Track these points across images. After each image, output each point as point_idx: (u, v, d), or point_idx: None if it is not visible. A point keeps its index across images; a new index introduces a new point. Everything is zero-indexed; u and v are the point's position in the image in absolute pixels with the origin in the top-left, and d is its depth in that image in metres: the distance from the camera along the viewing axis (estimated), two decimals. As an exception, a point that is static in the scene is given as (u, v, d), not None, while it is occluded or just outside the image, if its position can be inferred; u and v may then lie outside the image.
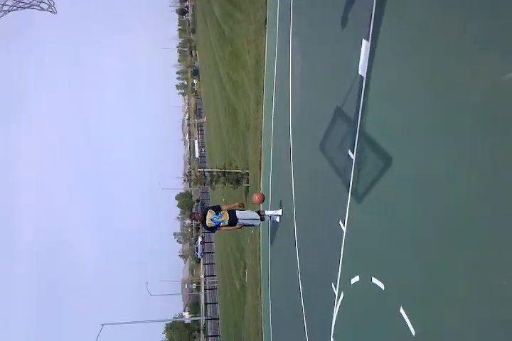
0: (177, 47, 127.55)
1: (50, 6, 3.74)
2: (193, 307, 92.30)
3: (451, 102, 3.32)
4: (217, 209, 9.08)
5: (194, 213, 9.60)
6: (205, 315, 41.91)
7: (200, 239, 61.97)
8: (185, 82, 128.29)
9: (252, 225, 9.82)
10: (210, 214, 8.97)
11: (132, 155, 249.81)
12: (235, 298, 21.17)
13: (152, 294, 35.15)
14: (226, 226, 9.12)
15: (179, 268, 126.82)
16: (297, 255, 8.07)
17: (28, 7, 3.65)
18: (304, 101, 7.72)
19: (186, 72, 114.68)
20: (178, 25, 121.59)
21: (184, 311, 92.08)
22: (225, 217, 8.99)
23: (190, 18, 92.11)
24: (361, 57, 4.76)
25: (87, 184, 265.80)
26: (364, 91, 4.67)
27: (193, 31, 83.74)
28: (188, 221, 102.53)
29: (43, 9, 3.75)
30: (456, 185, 3.24)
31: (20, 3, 3.61)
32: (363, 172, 4.84)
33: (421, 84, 3.71)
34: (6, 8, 3.66)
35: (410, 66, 3.92)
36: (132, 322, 32.65)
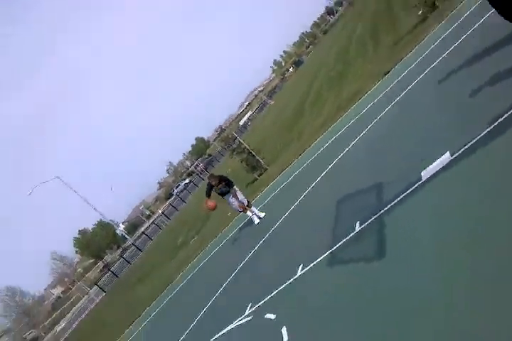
0: (302, 33, 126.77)
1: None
2: (131, 226, 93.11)
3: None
4: (228, 183, 9.74)
5: (214, 177, 9.87)
6: (135, 241, 42.16)
7: (187, 181, 61.33)
8: (283, 63, 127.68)
9: (232, 206, 9.90)
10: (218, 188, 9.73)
11: (194, 86, 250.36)
12: (169, 248, 21.24)
13: (112, 190, 35.88)
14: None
15: (148, 191, 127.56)
16: (239, 266, 7.98)
17: None
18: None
19: (291, 57, 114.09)
20: (317, 19, 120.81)
21: (122, 224, 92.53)
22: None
23: (331, 21, 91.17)
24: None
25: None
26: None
27: (325, 32, 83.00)
28: (188, 163, 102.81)
29: None
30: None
31: None
32: (354, 246, 4.73)
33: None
34: None
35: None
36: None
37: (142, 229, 66.20)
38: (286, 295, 5.25)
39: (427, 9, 11.60)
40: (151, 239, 37.10)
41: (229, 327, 5.90)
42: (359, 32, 24.72)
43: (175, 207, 41.59)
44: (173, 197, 56.85)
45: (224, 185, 9.74)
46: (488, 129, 4.23)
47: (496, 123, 4.20)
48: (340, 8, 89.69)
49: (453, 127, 5.08)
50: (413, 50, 10.06)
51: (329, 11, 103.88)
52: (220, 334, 6.00)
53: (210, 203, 9.79)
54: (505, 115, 4.18)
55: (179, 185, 70.26)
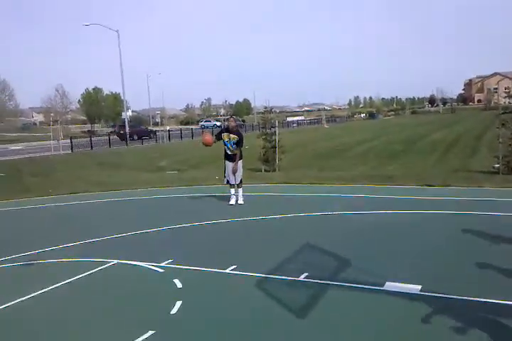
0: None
1: None
2: (136, 117, 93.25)
3: None
4: (239, 140, 9.25)
5: (235, 121, 9.62)
6: (129, 133, 42.11)
7: (219, 124, 61.62)
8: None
9: (226, 175, 9.51)
10: (227, 137, 9.29)
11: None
12: (147, 162, 21.38)
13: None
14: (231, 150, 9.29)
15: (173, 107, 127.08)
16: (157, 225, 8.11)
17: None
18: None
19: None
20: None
21: (131, 110, 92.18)
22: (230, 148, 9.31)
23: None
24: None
25: None
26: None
27: (453, 111, 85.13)
28: (223, 111, 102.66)
29: None
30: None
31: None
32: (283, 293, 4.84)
33: None
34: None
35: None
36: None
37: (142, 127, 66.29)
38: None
39: None
40: (142, 143, 37.22)
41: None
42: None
43: (179, 136, 41.62)
44: (198, 126, 56.81)
45: (234, 142, 9.24)
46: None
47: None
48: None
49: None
50: None
51: (464, 99, 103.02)
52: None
53: (207, 137, 9.43)
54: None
55: (210, 121, 70.79)
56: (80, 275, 5.55)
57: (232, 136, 9.26)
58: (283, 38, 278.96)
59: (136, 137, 40.69)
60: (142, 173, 16.90)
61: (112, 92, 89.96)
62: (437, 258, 5.57)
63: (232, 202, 9.51)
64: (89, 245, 7.04)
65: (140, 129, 45.93)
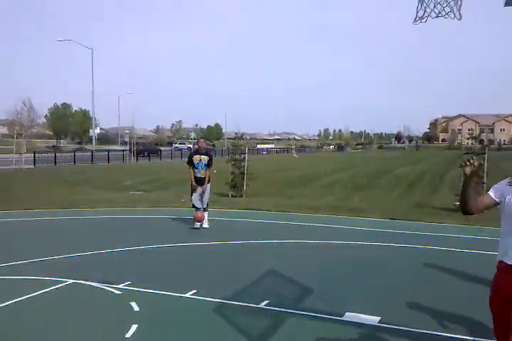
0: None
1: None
2: (105, 136, 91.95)
3: None
4: (209, 162, 9.44)
5: (204, 143, 9.80)
6: (95, 151, 41.52)
7: (191, 146, 62.90)
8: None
9: (192, 198, 9.49)
10: (198, 158, 9.41)
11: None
12: (112, 180, 21.04)
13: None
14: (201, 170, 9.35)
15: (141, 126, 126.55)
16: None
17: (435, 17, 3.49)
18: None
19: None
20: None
21: (99, 128, 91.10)
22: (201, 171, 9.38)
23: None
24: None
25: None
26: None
27: (417, 148, 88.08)
28: (193, 135, 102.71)
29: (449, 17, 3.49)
30: None
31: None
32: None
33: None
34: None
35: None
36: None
37: (112, 146, 65.54)
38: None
39: None
40: (108, 162, 36.66)
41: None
42: None
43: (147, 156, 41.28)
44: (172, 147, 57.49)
45: (205, 163, 9.37)
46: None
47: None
48: None
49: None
50: None
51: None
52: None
53: (200, 215, 9.18)
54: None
55: (184, 143, 72.40)
56: (31, 295, 5.33)
57: (203, 157, 9.42)
58: (256, 67, 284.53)
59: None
60: (105, 192, 16.58)
61: (81, 109, 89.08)
62: (397, 291, 5.64)
63: (197, 225, 9.44)
64: (41, 264, 6.79)
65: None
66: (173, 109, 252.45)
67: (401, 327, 4.45)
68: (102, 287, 5.63)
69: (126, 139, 63.05)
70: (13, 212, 11.69)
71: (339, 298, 5.30)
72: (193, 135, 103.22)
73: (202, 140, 10.02)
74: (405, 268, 6.75)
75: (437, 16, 3.28)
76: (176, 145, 74.84)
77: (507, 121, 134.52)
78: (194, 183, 9.37)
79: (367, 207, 12.74)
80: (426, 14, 3.29)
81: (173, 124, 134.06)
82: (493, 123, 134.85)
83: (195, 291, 5.44)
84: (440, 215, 11.43)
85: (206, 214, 9.51)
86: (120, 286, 5.63)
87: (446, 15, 3.30)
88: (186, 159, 9.86)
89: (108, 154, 38.25)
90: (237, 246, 8.01)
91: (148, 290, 5.49)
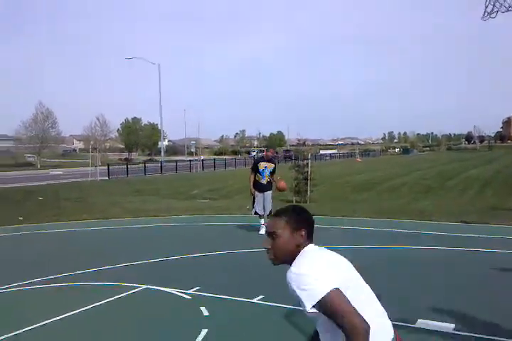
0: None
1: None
2: (172, 148, 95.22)
3: None
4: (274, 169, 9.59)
5: (273, 151, 10.53)
6: (164, 161, 42.98)
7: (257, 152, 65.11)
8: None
9: (255, 205, 9.55)
10: (264, 165, 9.51)
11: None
12: (181, 190, 21.66)
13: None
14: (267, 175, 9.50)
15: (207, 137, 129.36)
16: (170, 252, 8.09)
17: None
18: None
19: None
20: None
21: (167, 140, 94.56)
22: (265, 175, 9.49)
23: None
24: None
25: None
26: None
27: (490, 148, 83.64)
28: (256, 143, 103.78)
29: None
30: None
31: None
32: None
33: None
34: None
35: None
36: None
37: (179, 157, 67.73)
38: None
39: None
40: (177, 171, 37.83)
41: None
42: None
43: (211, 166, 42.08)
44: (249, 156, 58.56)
45: (271, 170, 9.52)
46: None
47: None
48: None
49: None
50: None
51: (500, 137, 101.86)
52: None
53: (283, 184, 9.53)
54: None
55: (262, 151, 74.62)
56: (108, 300, 5.58)
57: (269, 164, 9.54)
58: (319, 72, 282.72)
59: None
60: (175, 201, 17.10)
61: (150, 122, 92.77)
62: (470, 297, 5.35)
63: (262, 231, 9.47)
64: (119, 270, 7.10)
65: None
66: (237, 118, 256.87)
67: (476, 334, 4.20)
68: (173, 292, 5.79)
69: (193, 150, 64.96)
70: (91, 221, 12.35)
71: (411, 305, 5.10)
72: (256, 143, 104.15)
73: (272, 149, 10.50)
74: (479, 273, 6.39)
75: (508, 10, 3.11)
76: (254, 153, 77.78)
77: None
78: (253, 189, 9.44)
79: (436, 210, 12.22)
80: (495, 9, 3.13)
81: (236, 134, 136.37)
82: None
83: (262, 296, 5.46)
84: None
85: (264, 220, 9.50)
86: (190, 291, 5.77)
87: None
88: (250, 166, 10.02)
89: (176, 164, 39.50)
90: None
91: (217, 296, 5.58)
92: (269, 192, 9.57)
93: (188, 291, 5.77)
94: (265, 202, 9.51)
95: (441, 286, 5.80)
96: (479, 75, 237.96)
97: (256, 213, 9.63)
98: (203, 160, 45.65)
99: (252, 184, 9.46)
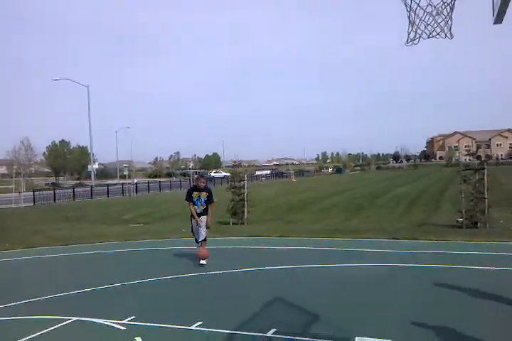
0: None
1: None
2: (102, 172, 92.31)
3: None
4: (209, 198, 9.05)
5: (203, 180, 9.33)
6: (94, 185, 41.56)
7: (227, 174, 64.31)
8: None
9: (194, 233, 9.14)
10: (197, 195, 9.00)
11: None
12: (112, 215, 20.97)
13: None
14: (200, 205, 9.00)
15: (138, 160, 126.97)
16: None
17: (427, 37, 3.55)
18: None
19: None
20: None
21: (97, 163, 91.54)
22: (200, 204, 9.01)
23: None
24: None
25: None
26: None
27: (416, 167, 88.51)
28: (191, 165, 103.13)
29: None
30: None
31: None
32: None
33: None
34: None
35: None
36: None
37: (110, 181, 65.70)
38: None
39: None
40: (108, 196, 36.61)
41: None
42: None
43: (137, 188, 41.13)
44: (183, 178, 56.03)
45: (205, 199, 8.99)
46: None
47: None
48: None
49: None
50: None
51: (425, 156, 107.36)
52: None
53: (204, 252, 8.80)
54: None
55: (220, 172, 73.34)
56: (35, 335, 5.22)
57: (202, 193, 9.07)
58: (251, 96, 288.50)
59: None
60: (106, 226, 16.49)
61: (79, 145, 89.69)
62: (406, 312, 5.55)
63: (203, 262, 8.86)
64: (45, 301, 6.69)
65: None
66: (171, 141, 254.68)
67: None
68: (105, 323, 5.53)
69: (125, 172, 63.31)
70: (12, 252, 11.59)
71: (346, 322, 5.20)
72: (191, 165, 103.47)
73: (203, 179, 9.51)
74: (413, 288, 6.66)
75: (429, 37, 3.36)
76: (212, 174, 74.99)
77: (503, 136, 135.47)
78: (195, 216, 9.02)
79: (368, 228, 12.67)
80: (417, 35, 3.37)
81: (171, 155, 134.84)
82: (490, 139, 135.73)
83: (200, 323, 5.35)
84: (444, 233, 11.36)
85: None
86: (124, 321, 5.53)
87: (438, 36, 3.38)
88: (185, 194, 9.29)
89: (108, 188, 38.27)
90: (240, 275, 7.92)
91: (153, 324, 5.39)
92: (203, 218, 9.06)
93: (122, 321, 5.54)
94: (200, 228, 9.01)
95: (377, 303, 5.97)
96: (407, 97, 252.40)
97: (196, 241, 9.25)
98: (136, 183, 44.51)
99: (193, 211, 9.06)
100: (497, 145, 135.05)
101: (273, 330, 5.00)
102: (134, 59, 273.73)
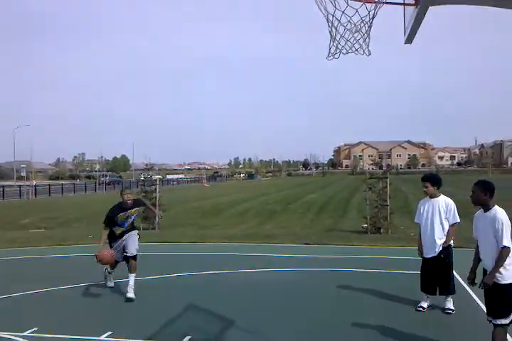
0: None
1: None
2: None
3: None
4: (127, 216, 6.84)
5: (131, 196, 6.94)
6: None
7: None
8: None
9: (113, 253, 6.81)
10: (124, 216, 6.81)
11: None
12: (7, 219, 19.53)
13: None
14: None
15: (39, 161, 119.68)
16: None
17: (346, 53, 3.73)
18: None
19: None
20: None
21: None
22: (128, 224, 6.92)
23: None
24: None
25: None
26: None
27: (324, 174, 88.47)
28: (98, 167, 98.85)
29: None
30: None
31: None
32: None
33: None
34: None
35: None
36: None
37: (6, 182, 60.95)
38: None
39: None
40: (4, 198, 33.95)
41: None
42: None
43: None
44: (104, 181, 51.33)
45: (134, 217, 7.00)
46: None
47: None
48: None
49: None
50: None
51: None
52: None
53: (106, 253, 6.64)
54: None
55: (112, 176, 69.76)
56: None
57: (132, 211, 6.87)
58: (162, 96, 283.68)
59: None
60: (3, 232, 15.29)
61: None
62: (316, 315, 5.78)
63: (111, 284, 7.38)
64: None
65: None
66: (75, 141, 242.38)
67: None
68: (4, 336, 5.14)
69: (23, 174, 59.23)
70: None
71: (259, 328, 5.31)
72: (98, 167, 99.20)
73: (128, 194, 6.92)
74: (321, 290, 6.95)
75: (348, 52, 3.56)
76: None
77: (402, 147, 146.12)
78: (99, 248, 6.74)
79: (281, 234, 13.02)
80: (338, 51, 3.56)
81: (75, 157, 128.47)
82: (391, 150, 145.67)
83: (110, 333, 5.16)
84: (351, 238, 12.00)
85: (132, 279, 6.67)
86: (26, 334, 5.18)
87: (356, 52, 3.61)
88: (104, 218, 6.88)
89: (3, 190, 35.51)
90: (152, 281, 7.75)
91: (58, 336, 5.11)
92: (133, 232, 7.04)
93: (24, 334, 5.18)
94: (128, 241, 6.87)
95: (287, 307, 6.16)
96: (319, 108, 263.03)
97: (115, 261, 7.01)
98: (35, 185, 41.78)
99: (104, 239, 6.87)
100: (397, 155, 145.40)
101: (187, 338, 4.97)
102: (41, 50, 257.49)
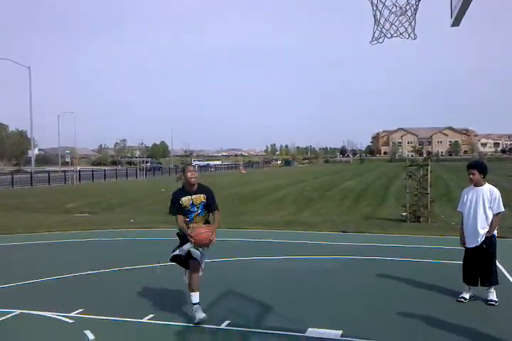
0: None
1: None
2: (43, 157, 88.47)
3: None
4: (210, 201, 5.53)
5: (190, 168, 5.47)
6: (34, 172, 39.80)
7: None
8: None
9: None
10: (189, 200, 5.39)
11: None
12: (52, 204, 20.24)
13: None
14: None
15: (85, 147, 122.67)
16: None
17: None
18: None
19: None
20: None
21: (37, 148, 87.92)
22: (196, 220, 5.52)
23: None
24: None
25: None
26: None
27: (362, 161, 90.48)
28: (138, 153, 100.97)
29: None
30: None
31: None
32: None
33: None
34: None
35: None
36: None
37: (52, 167, 63.17)
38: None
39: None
40: (49, 183, 35.21)
41: (44, 313, 5.57)
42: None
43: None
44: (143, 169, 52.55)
45: (203, 206, 5.52)
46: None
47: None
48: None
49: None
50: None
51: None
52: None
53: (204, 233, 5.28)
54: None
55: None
56: (-25, 329, 4.99)
57: (196, 196, 5.43)
58: (201, 84, 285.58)
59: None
60: (47, 215, 15.89)
61: (17, 129, 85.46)
62: (356, 303, 5.75)
63: (185, 279, 5.58)
64: (-14, 294, 6.39)
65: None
66: (117, 127, 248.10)
67: (362, 340, 4.52)
68: (52, 316, 5.36)
69: (67, 159, 61.11)
70: None
71: (300, 314, 5.32)
72: (138, 153, 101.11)
73: (193, 171, 5.48)
74: (360, 279, 6.90)
75: (392, 36, 3.45)
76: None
77: (443, 133, 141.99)
78: (190, 233, 5.31)
79: (318, 221, 12.96)
80: (382, 35, 3.45)
81: (116, 143, 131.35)
82: (431, 136, 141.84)
83: (152, 315, 5.30)
84: (390, 226, 11.81)
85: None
86: (72, 314, 5.39)
87: (401, 35, 3.49)
88: (169, 206, 5.56)
89: (49, 175, 36.82)
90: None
91: (103, 317, 5.29)
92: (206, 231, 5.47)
93: (70, 314, 5.39)
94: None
95: (328, 295, 6.14)
96: (355, 94, 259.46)
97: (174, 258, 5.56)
98: (79, 170, 43.09)
99: (184, 228, 5.45)
100: (438, 142, 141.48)
101: (227, 322, 5.04)
102: (83, 45, 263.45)
